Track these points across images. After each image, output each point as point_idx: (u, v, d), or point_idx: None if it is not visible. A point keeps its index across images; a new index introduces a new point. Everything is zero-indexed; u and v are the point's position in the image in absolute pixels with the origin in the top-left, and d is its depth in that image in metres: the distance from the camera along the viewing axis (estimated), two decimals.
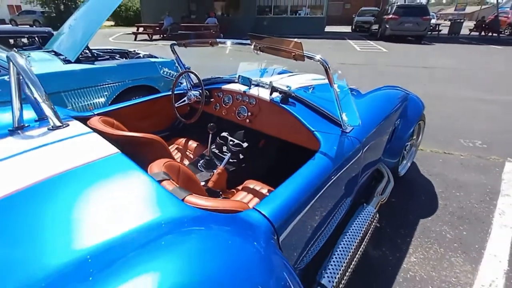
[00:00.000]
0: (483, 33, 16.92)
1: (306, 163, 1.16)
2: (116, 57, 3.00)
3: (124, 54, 3.18)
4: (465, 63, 8.04)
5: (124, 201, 0.80)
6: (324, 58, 1.21)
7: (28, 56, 2.49)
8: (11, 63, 1.12)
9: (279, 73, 2.24)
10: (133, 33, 12.79)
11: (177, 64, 1.97)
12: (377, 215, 1.49)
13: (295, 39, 1.28)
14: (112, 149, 1.00)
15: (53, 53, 2.80)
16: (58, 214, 0.74)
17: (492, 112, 4.09)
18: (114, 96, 2.62)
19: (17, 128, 1.16)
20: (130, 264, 0.59)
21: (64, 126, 1.16)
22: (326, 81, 1.34)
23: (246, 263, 0.70)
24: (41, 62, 2.35)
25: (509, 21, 17.26)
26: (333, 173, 1.20)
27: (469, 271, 1.59)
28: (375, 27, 15.03)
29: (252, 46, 1.41)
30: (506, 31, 17.31)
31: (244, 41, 1.50)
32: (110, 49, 3.32)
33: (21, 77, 1.15)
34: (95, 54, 2.83)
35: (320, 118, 1.52)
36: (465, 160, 2.75)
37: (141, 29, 12.96)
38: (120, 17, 22.04)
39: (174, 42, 1.82)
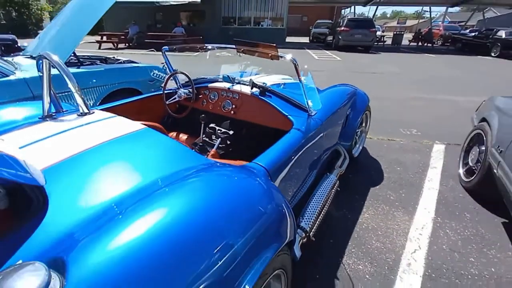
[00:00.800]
0: (420, 44, 19.33)
1: (285, 135, 1.55)
2: (97, 63, 3.16)
3: (103, 60, 3.33)
4: (404, 68, 9.28)
5: (162, 156, 1.10)
6: (293, 58, 1.63)
7: (13, 61, 2.58)
8: (44, 61, 1.34)
9: (256, 74, 2.64)
10: (97, 41, 12.18)
11: (166, 67, 2.27)
12: (338, 181, 1.94)
13: (269, 44, 1.68)
14: (140, 125, 1.26)
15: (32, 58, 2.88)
16: (108, 170, 0.97)
17: (426, 107, 4.95)
18: (103, 98, 2.79)
19: (46, 117, 1.34)
20: (166, 194, 0.82)
21: (92, 112, 1.39)
22: (293, 80, 1.75)
23: (249, 190, 0.99)
24: (30, 67, 2.42)
25: (440, 33, 19.99)
26: (304, 142, 1.60)
27: (406, 220, 2.10)
28: (330, 38, 16.23)
29: (236, 50, 1.78)
30: (438, 41, 20.01)
31: (229, 46, 1.86)
32: (89, 56, 3.45)
33: (50, 74, 1.38)
34: (80, 60, 2.98)
35: (291, 106, 1.93)
36: (404, 144, 3.39)
37: (105, 38, 12.42)
38: None
39: (166, 47, 2.12)
